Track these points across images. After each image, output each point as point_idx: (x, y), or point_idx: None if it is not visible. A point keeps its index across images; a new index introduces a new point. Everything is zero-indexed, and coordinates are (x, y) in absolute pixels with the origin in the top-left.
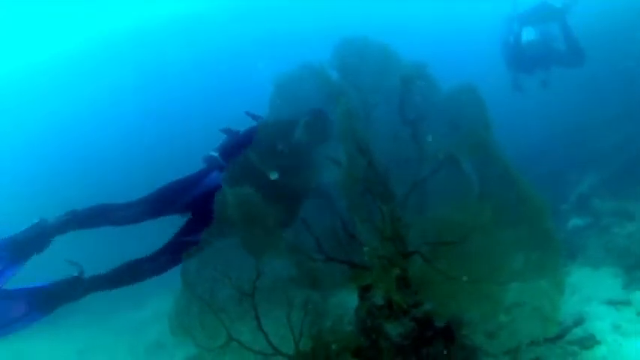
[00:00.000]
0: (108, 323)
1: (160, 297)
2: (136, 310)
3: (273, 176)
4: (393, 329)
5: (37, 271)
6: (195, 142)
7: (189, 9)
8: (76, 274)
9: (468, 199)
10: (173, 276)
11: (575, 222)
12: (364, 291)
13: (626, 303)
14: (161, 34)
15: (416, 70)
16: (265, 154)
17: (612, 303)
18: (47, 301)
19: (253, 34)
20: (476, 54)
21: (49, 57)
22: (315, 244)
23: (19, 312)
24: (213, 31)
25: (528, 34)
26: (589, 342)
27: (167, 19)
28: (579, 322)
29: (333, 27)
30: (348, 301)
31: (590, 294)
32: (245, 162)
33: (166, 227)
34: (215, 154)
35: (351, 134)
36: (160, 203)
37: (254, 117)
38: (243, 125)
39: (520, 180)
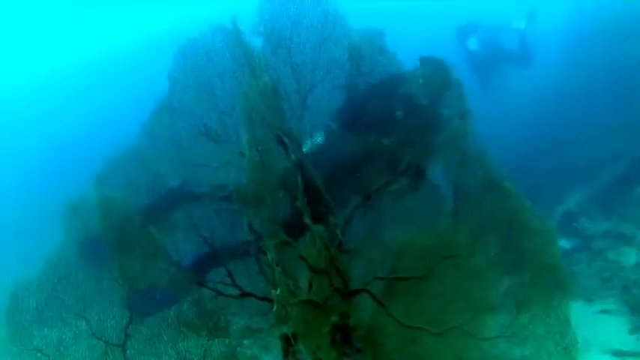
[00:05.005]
0: None
1: None
2: None
3: None
4: None
5: None
6: None
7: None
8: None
9: (437, 218)
10: None
11: (561, 244)
12: (288, 343)
13: (637, 355)
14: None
15: (369, 41)
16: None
17: (618, 354)
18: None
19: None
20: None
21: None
22: (225, 272)
23: None
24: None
25: (472, 44)
26: None
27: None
28: None
29: None
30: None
31: (587, 338)
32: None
33: None
34: None
35: (260, 115)
36: None
37: None
38: None
39: (510, 192)
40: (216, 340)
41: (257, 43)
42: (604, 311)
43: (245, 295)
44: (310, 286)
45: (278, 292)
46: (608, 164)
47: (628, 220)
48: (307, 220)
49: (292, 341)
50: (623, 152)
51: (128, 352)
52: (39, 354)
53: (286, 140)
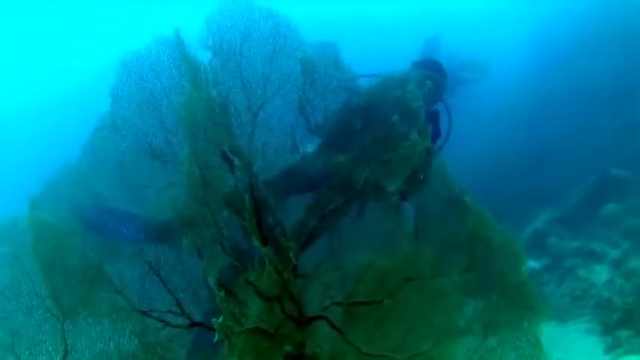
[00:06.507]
0: None
1: None
2: None
3: None
4: None
5: None
6: None
7: None
8: None
9: (398, 238)
10: None
11: (530, 264)
12: None
13: None
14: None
15: (322, 54)
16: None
17: None
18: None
19: None
20: None
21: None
22: (172, 300)
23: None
24: None
25: None
26: None
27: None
28: None
29: None
30: None
31: None
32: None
33: None
34: None
35: (203, 129)
36: None
37: None
38: None
39: (475, 209)
40: None
41: (207, 57)
42: (578, 331)
43: (195, 325)
44: (260, 313)
45: (220, 321)
46: (575, 183)
47: (597, 238)
48: (256, 242)
49: None
50: (589, 171)
51: None
52: None
53: (233, 157)
